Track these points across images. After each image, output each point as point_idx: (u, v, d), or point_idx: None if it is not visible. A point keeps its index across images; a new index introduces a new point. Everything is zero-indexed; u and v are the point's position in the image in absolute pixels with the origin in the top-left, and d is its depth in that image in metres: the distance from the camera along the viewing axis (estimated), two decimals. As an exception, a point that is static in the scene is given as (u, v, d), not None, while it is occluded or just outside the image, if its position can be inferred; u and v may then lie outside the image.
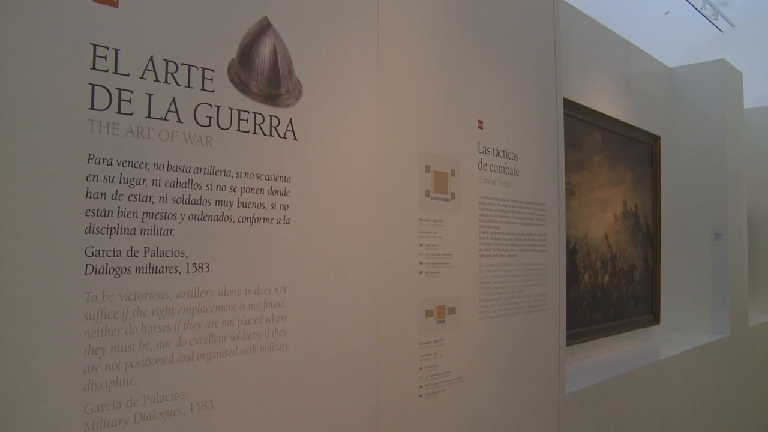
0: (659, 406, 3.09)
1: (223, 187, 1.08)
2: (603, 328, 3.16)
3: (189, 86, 1.04)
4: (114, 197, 0.93)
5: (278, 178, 1.17)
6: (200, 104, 1.06)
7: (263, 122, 1.15)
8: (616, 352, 3.28)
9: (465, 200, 1.68)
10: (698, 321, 3.93)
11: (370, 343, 1.35)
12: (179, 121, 1.02)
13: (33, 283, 0.85)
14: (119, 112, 0.95)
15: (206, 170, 1.06)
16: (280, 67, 1.18)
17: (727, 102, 3.94)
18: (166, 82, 1.01)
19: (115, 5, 0.95)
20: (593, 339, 3.07)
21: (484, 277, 1.73)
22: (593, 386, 2.52)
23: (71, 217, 0.89)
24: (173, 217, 1.00)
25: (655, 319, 3.72)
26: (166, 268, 0.99)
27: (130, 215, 0.95)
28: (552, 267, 2.02)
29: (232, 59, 1.10)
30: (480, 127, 1.75)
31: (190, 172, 1.03)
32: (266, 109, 1.16)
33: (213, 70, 1.07)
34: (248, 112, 1.13)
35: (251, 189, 1.12)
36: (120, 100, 0.95)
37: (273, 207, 1.16)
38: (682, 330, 3.98)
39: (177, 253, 1.01)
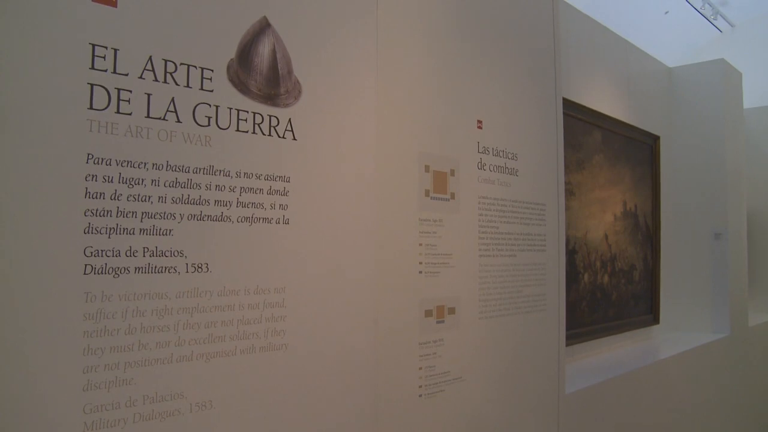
0: (659, 406, 3.09)
1: (222, 187, 1.08)
2: (602, 328, 3.16)
3: (188, 86, 1.04)
4: (113, 197, 0.93)
5: (277, 178, 1.17)
6: (199, 104, 1.05)
7: (262, 122, 1.15)
8: (615, 352, 3.28)
9: (464, 200, 1.68)
10: (698, 321, 3.93)
11: (369, 343, 1.35)
12: (178, 121, 1.02)
13: (32, 283, 0.85)
14: (118, 111, 0.95)
15: (205, 170, 1.05)
16: (279, 67, 1.18)
17: (727, 102, 3.94)
18: (165, 81, 1.01)
19: (114, 5, 0.95)
20: (593, 339, 3.07)
21: (484, 277, 1.73)
22: (593, 386, 2.52)
23: (70, 217, 0.89)
24: (172, 217, 1.00)
25: (655, 319, 3.72)
26: (165, 268, 0.99)
27: (129, 215, 0.95)
28: (552, 267, 2.02)
29: (231, 59, 1.10)
30: (479, 127, 1.75)
31: (189, 172, 1.03)
32: (265, 109, 1.16)
33: (212, 70, 1.07)
34: (247, 111, 1.13)
35: (250, 189, 1.12)
36: (119, 99, 0.95)
37: (272, 207, 1.16)
38: (681, 330, 3.98)
39: (176, 253, 1.01)
